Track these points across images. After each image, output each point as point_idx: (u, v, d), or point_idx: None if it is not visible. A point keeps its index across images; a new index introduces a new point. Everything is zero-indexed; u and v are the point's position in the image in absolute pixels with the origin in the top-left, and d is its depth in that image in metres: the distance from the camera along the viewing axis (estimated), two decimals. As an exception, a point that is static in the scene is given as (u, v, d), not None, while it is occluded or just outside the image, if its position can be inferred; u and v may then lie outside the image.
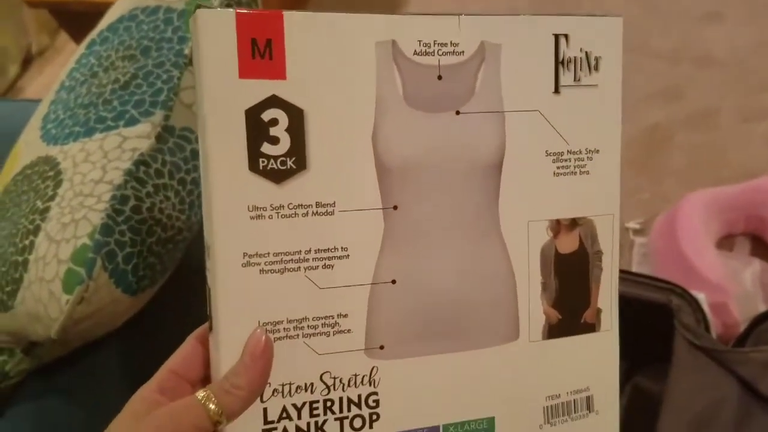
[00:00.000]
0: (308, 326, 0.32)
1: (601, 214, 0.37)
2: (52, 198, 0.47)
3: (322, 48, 0.31)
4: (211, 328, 0.33)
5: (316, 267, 0.32)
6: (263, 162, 0.31)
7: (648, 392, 0.73)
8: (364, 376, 0.33)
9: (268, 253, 0.31)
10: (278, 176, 0.31)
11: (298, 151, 0.31)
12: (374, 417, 0.34)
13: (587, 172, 0.36)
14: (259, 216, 0.31)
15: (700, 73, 1.11)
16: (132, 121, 0.49)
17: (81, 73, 0.56)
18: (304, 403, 0.33)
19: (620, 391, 0.75)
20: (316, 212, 0.32)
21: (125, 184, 0.46)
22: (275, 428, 0.32)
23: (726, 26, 1.15)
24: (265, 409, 0.32)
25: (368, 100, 0.32)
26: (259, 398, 0.32)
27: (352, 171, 0.32)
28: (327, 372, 0.33)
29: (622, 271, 0.70)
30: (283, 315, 0.32)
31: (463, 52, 0.33)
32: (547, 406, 0.37)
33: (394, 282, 0.33)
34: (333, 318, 0.33)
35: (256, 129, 0.30)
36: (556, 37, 0.35)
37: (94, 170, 0.47)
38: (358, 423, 0.34)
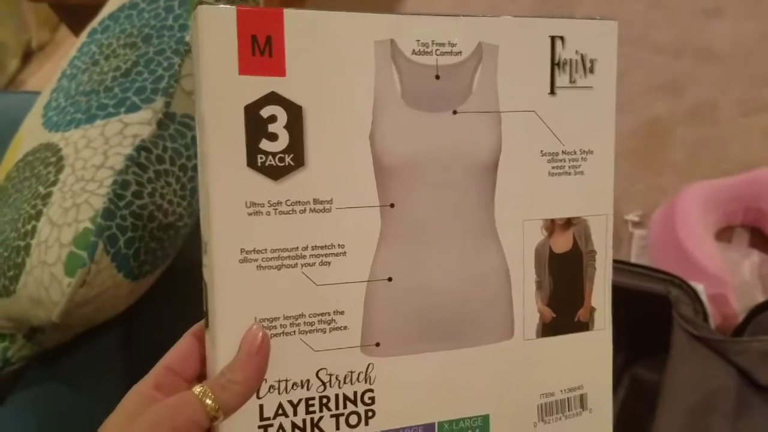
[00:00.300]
0: (304, 323, 0.32)
1: (595, 215, 0.38)
2: (54, 183, 0.48)
3: (321, 46, 0.31)
4: (207, 325, 0.33)
5: (313, 264, 0.32)
6: (261, 158, 0.31)
7: (647, 383, 0.73)
8: (360, 373, 0.34)
9: (266, 249, 0.31)
10: (276, 173, 0.31)
11: (297, 148, 0.31)
12: (370, 414, 0.34)
13: (581, 173, 0.37)
14: (256, 212, 0.31)
15: (701, 66, 1.11)
16: (133, 108, 0.49)
17: (82, 61, 0.56)
18: (300, 400, 0.33)
19: (618, 382, 0.76)
20: (314, 209, 0.32)
21: (126, 170, 0.46)
22: (271, 425, 0.32)
23: (727, 20, 1.15)
24: (261, 406, 0.32)
25: (366, 98, 0.32)
26: (255, 395, 0.32)
27: (350, 168, 0.32)
28: (323, 369, 0.33)
29: (620, 262, 0.70)
30: (280, 311, 0.32)
31: (460, 52, 0.34)
32: (541, 404, 0.37)
33: (390, 279, 0.34)
34: (329, 315, 0.33)
35: (255, 125, 0.31)
36: (552, 39, 0.35)
37: (95, 156, 0.47)
38: (353, 420, 0.34)
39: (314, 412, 0.33)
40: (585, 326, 0.38)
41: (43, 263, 0.45)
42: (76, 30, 1.42)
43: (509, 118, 0.35)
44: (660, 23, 1.19)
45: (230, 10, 0.30)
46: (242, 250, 0.31)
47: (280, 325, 0.32)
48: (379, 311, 0.34)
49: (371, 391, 0.34)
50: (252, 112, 0.30)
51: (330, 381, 0.33)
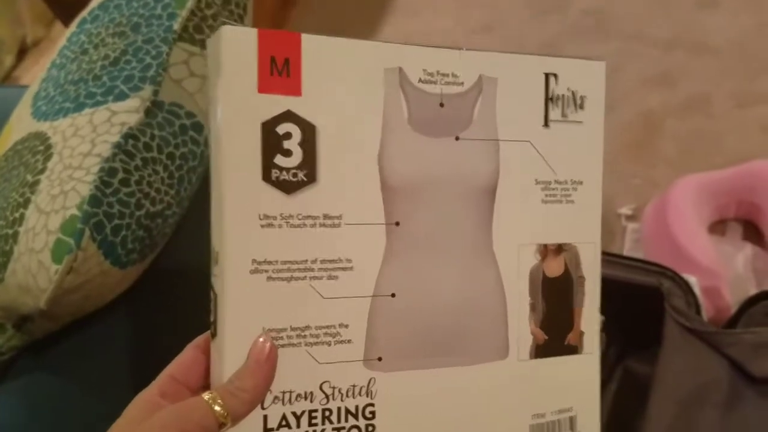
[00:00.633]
0: (311, 335, 0.33)
1: (584, 242, 0.39)
2: (41, 171, 0.47)
3: (335, 70, 0.33)
4: (214, 334, 0.33)
5: (321, 277, 0.33)
6: (276, 173, 0.32)
7: (639, 375, 0.73)
8: (362, 387, 0.34)
9: (276, 261, 0.32)
10: (289, 187, 0.32)
11: (309, 165, 0.33)
12: (370, 428, 0.35)
13: (572, 202, 0.39)
14: (269, 224, 0.32)
15: (695, 59, 1.11)
16: (121, 96, 0.49)
17: (71, 51, 0.56)
18: (303, 412, 0.33)
19: (611, 375, 0.76)
20: (324, 224, 0.33)
21: (114, 157, 0.46)
22: None
23: (722, 13, 1.15)
24: (265, 416, 0.33)
25: (376, 121, 0.34)
26: (260, 405, 0.32)
27: (359, 187, 0.34)
28: (326, 381, 0.34)
29: (613, 255, 0.70)
30: (287, 322, 0.33)
31: (462, 83, 0.36)
32: (533, 425, 0.38)
33: (393, 295, 0.35)
34: (335, 328, 0.34)
35: (271, 141, 0.32)
36: (547, 75, 0.38)
37: (83, 144, 0.47)
38: None
39: (317, 424, 0.34)
40: (575, 349, 0.39)
41: (31, 250, 0.45)
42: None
43: (507, 146, 0.37)
44: (655, 16, 1.19)
45: (252, 32, 0.31)
46: (254, 261, 0.32)
47: (287, 336, 0.33)
48: (382, 326, 0.35)
49: (372, 405, 0.35)
50: (269, 128, 0.32)
51: (333, 394, 0.34)
